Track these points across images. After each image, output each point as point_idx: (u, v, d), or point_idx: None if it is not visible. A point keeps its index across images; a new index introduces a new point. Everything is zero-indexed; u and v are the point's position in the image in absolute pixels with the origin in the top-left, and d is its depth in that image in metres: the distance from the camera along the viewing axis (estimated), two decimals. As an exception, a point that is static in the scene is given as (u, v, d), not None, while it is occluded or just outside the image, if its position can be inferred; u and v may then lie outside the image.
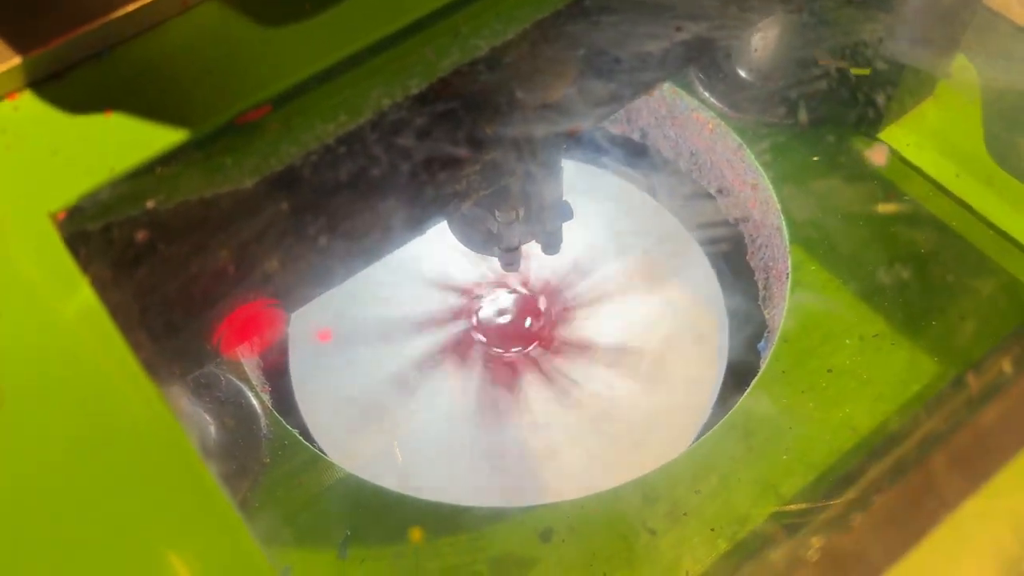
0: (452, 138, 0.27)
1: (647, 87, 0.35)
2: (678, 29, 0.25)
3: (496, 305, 0.56)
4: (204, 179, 0.24)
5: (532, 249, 0.49)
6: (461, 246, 0.48)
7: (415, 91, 0.26)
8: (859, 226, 0.52)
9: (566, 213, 0.46)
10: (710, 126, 0.56)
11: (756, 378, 0.47)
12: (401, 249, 0.33)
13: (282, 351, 0.55)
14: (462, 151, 0.27)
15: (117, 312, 0.21)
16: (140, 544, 0.19)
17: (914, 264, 0.50)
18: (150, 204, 0.23)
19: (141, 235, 0.23)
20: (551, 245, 0.47)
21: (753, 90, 0.55)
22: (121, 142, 0.24)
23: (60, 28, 0.25)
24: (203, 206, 0.24)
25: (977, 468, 0.19)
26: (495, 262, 0.50)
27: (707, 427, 0.50)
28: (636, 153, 0.60)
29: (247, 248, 0.27)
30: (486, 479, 0.50)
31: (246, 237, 0.26)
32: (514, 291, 0.56)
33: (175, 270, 0.24)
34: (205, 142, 0.24)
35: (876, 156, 0.51)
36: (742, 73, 0.56)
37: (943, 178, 0.53)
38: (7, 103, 0.25)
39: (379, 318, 0.56)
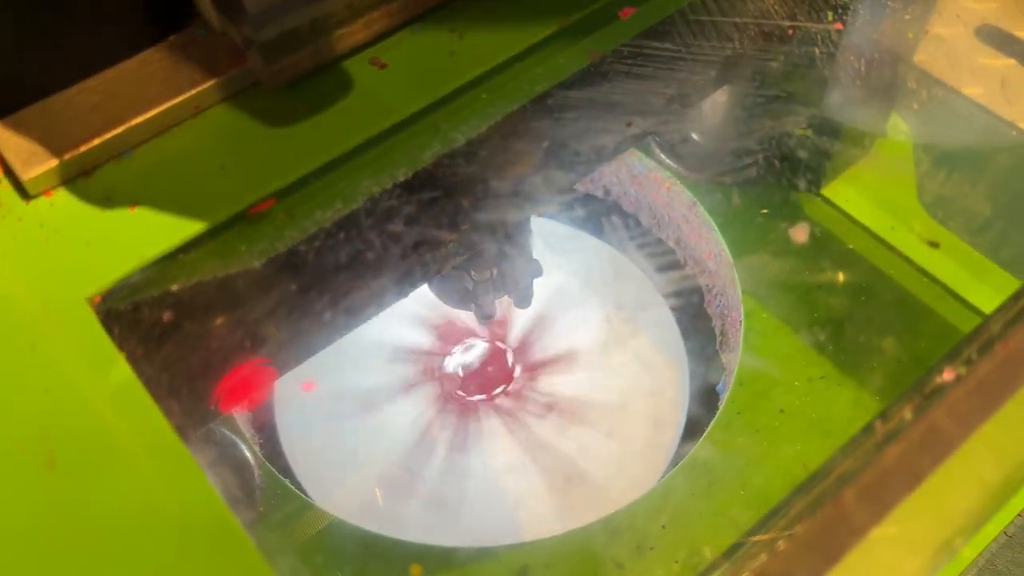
0: (434, 219, 0.31)
1: (601, 164, 0.39)
2: (629, 124, 0.29)
3: (468, 355, 0.60)
4: (220, 263, 0.27)
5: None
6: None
7: (401, 179, 0.30)
8: (805, 275, 0.56)
9: (536, 271, 0.50)
10: (667, 185, 0.60)
11: (714, 419, 0.51)
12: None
13: (269, 403, 0.58)
14: (443, 230, 0.31)
15: (148, 383, 0.25)
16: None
17: (855, 310, 0.54)
18: (174, 287, 0.27)
19: (167, 315, 0.26)
20: (523, 300, 0.51)
21: (705, 151, 0.60)
22: (147, 233, 0.27)
23: (88, 133, 0.28)
24: (218, 286, 0.27)
25: (882, 501, 0.23)
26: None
27: (672, 466, 0.54)
28: (601, 209, 0.64)
29: (251, 318, 0.31)
30: (464, 521, 0.53)
31: (252, 310, 0.29)
32: (487, 343, 0.60)
33: (193, 343, 0.28)
34: (220, 230, 0.28)
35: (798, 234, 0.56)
36: (695, 136, 0.61)
37: (880, 229, 0.58)
38: (44, 199, 0.28)
39: (357, 368, 0.60)
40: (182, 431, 0.25)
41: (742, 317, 0.54)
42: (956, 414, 0.24)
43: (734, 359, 0.54)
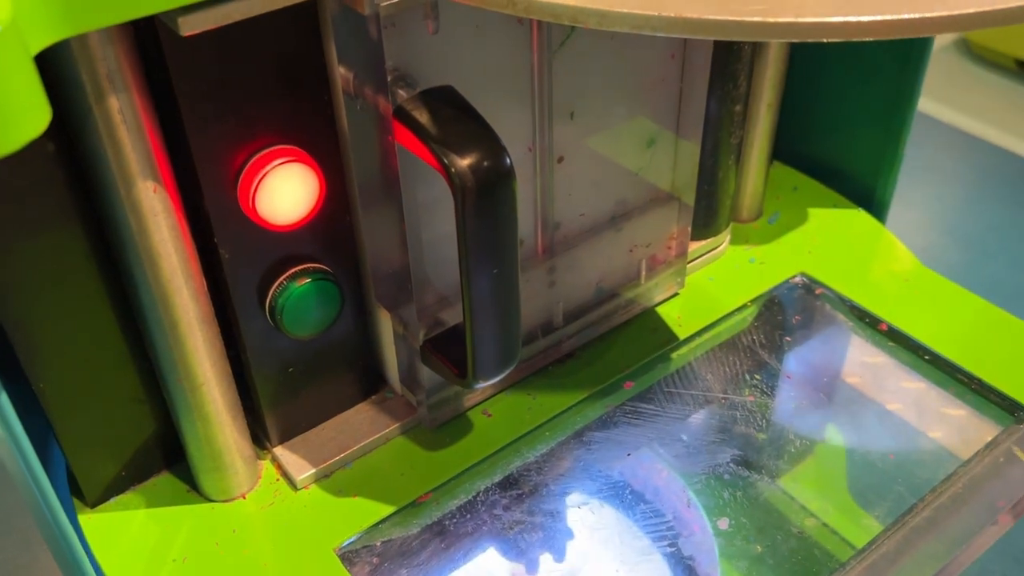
0: (516, 504, 0.52)
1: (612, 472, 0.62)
2: (628, 455, 0.52)
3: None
4: (401, 531, 0.49)
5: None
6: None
7: (498, 480, 0.52)
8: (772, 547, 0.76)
9: (573, 541, 0.70)
10: (664, 472, 0.82)
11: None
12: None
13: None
14: (521, 512, 0.53)
15: (367, 598, 0.45)
16: None
17: None
18: (378, 543, 0.48)
19: (375, 559, 0.48)
20: (563, 564, 0.71)
21: (690, 452, 0.81)
22: (362, 511, 0.49)
23: (329, 454, 0.51)
24: (400, 545, 0.49)
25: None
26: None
27: None
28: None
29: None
30: None
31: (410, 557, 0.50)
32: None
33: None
34: (402, 511, 0.49)
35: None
36: (684, 437, 0.83)
37: (821, 513, 0.78)
38: (305, 491, 0.50)
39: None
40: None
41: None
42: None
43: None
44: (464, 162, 0.39)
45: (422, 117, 0.40)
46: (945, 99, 1.66)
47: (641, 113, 0.53)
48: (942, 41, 1.89)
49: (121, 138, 0.36)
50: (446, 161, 0.39)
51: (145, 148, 0.37)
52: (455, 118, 0.40)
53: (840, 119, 0.73)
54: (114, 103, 0.35)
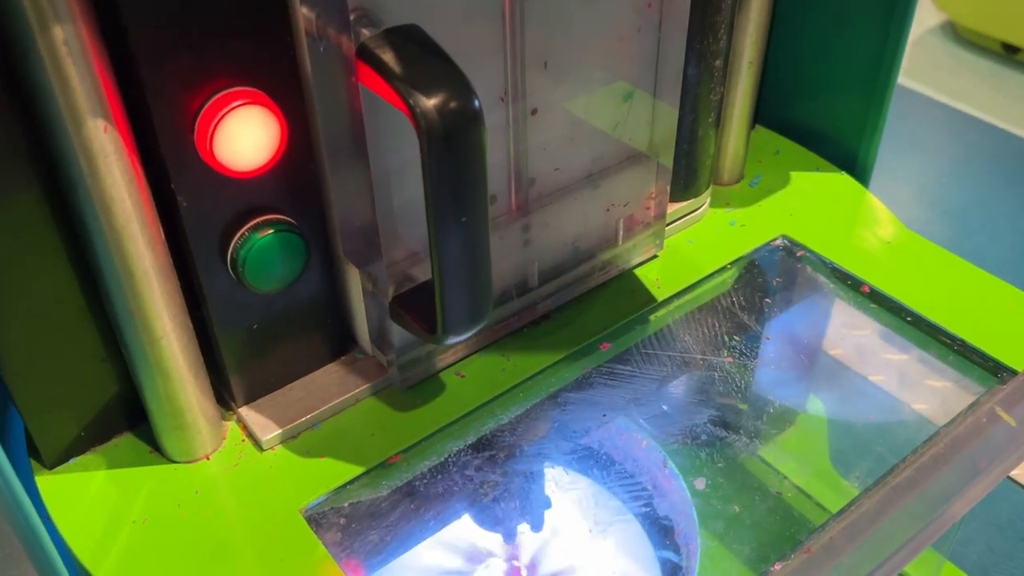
0: (489, 466, 0.51)
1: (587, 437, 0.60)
2: (604, 416, 0.50)
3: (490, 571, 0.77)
4: (370, 492, 0.48)
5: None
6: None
7: (471, 442, 0.51)
8: (751, 518, 0.75)
9: (547, 503, 0.69)
10: (644, 442, 0.81)
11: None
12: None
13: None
14: (494, 474, 0.52)
15: (344, 568, 0.44)
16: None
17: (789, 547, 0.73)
18: (345, 505, 0.47)
19: (342, 520, 0.46)
20: (537, 526, 0.70)
21: (671, 420, 0.81)
22: (330, 472, 0.47)
23: (296, 414, 0.50)
24: (368, 507, 0.47)
25: None
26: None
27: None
28: (595, 458, 0.84)
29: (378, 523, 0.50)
30: None
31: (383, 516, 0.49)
32: (506, 560, 0.78)
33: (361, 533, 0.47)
34: (371, 471, 0.48)
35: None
36: (664, 407, 0.82)
37: (802, 483, 0.77)
38: (270, 452, 0.49)
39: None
40: None
41: (699, 547, 0.72)
42: None
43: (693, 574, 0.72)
44: (430, 102, 0.38)
45: (386, 55, 0.39)
46: (932, 82, 1.65)
47: (618, 64, 0.52)
48: (928, 24, 1.88)
49: (68, 72, 0.35)
50: (411, 101, 0.38)
51: (94, 83, 0.35)
52: (421, 57, 0.39)
53: (823, 83, 0.72)
54: (59, 33, 0.34)
